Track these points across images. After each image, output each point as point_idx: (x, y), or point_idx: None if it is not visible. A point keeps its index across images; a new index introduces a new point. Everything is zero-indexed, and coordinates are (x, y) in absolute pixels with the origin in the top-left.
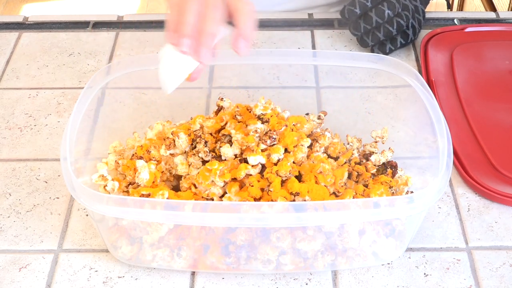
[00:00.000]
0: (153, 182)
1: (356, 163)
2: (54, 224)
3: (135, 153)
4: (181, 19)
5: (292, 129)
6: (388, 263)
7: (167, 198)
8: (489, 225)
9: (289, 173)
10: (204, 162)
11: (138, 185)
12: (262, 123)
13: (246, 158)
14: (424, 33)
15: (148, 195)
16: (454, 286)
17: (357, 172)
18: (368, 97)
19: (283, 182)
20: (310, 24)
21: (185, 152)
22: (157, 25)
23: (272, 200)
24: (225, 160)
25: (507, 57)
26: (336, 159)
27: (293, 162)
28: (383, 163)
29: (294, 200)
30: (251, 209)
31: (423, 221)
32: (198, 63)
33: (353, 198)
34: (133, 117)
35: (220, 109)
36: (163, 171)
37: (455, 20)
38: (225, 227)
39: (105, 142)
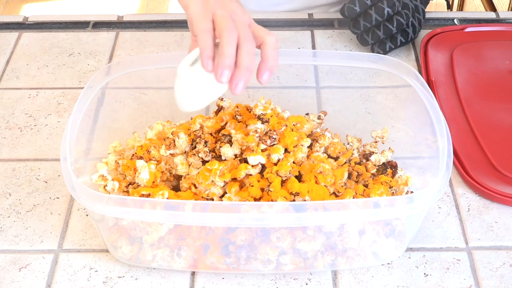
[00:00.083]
0: (153, 182)
1: (356, 163)
2: (54, 224)
3: (135, 153)
4: (222, 50)
5: (292, 129)
6: (388, 263)
7: (167, 198)
8: (489, 225)
9: (289, 173)
10: (204, 162)
11: (138, 185)
12: (262, 123)
13: (246, 158)
14: (424, 33)
15: (148, 195)
16: (454, 286)
17: (357, 172)
18: (368, 97)
19: (283, 182)
20: (310, 24)
21: (185, 152)
22: (157, 25)
23: (272, 200)
24: (225, 160)
25: (507, 57)
26: (336, 159)
27: (293, 162)
28: (383, 163)
29: (294, 200)
30: (251, 209)
31: (423, 221)
32: (227, 89)
33: (353, 198)
34: (133, 117)
35: (220, 109)
36: (163, 171)
37: (455, 20)
38: (225, 227)
39: (105, 142)
